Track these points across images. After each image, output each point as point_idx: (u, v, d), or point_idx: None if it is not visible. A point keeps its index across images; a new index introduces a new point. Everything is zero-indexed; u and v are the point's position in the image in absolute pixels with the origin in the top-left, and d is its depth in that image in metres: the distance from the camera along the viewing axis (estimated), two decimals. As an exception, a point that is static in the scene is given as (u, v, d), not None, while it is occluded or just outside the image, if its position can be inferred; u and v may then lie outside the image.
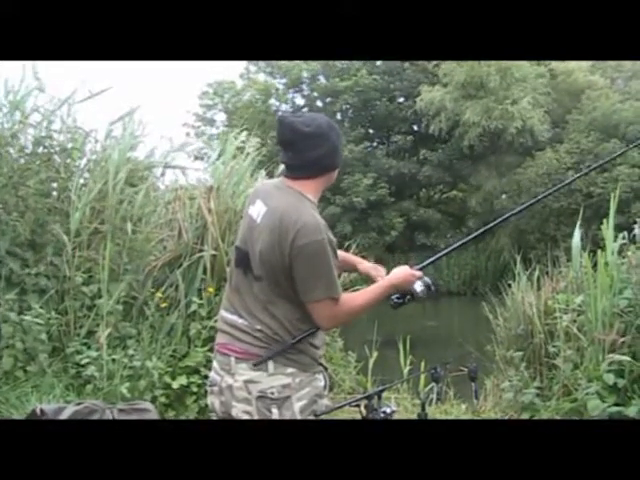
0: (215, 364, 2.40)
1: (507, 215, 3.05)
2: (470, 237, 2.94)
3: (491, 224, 2.96)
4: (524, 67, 22.90)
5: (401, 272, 2.47)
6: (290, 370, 2.26)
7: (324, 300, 2.24)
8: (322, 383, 2.36)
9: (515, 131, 22.33)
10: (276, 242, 2.22)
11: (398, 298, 2.50)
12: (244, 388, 2.25)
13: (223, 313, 2.42)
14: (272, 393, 2.23)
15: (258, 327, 2.27)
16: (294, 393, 2.25)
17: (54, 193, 5.63)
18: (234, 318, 2.34)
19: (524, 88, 22.79)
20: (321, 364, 2.39)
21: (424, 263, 2.60)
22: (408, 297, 2.49)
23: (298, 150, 2.30)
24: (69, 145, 5.82)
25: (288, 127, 2.28)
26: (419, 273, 2.49)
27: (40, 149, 5.67)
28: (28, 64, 5.73)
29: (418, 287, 2.47)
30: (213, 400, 2.38)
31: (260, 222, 2.29)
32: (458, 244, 2.87)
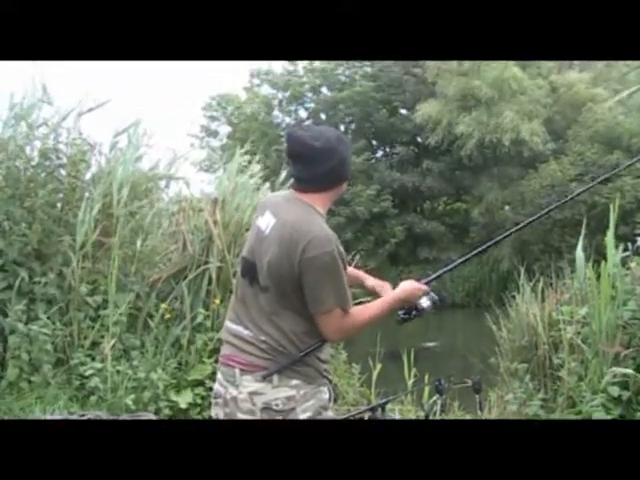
0: (219, 376, 2.39)
1: (514, 229, 3.06)
2: (475, 252, 2.93)
3: (499, 237, 2.97)
4: (521, 79, 23.04)
5: (408, 286, 2.48)
6: (295, 382, 2.26)
7: (334, 311, 2.24)
8: (327, 395, 2.35)
9: (508, 143, 22.46)
10: (285, 254, 2.22)
11: (404, 314, 2.50)
12: (248, 400, 2.25)
13: (228, 324, 2.42)
14: (277, 405, 2.23)
15: (263, 338, 2.27)
16: (298, 405, 2.25)
17: (59, 204, 5.66)
18: (239, 329, 2.34)
19: (519, 101, 22.90)
20: (326, 377, 2.38)
21: (430, 277, 2.59)
22: (414, 312, 2.49)
23: (307, 164, 2.31)
24: (75, 157, 5.86)
25: (297, 141, 2.29)
26: (425, 287, 2.50)
27: (46, 162, 5.72)
28: (35, 77, 5.79)
29: (424, 303, 2.48)
30: (217, 412, 2.38)
31: (269, 234, 2.29)
32: (463, 259, 2.85)
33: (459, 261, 2.80)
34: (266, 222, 2.33)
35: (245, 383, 2.27)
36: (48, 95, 5.86)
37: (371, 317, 2.38)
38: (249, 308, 2.33)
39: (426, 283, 2.53)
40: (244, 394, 2.26)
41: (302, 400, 2.26)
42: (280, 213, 2.31)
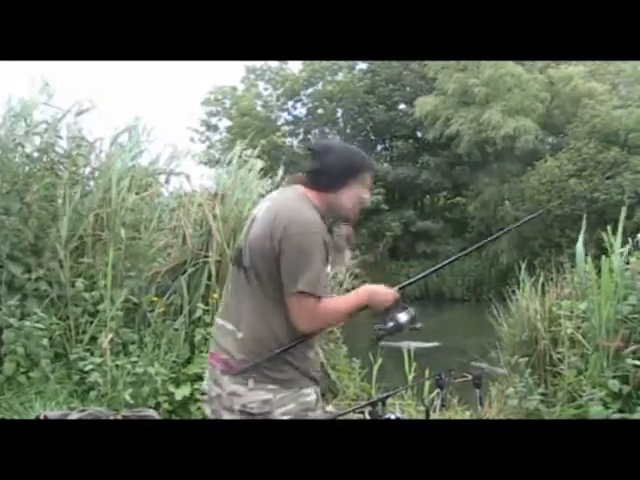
0: (207, 373, 2.41)
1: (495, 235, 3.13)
2: (449, 261, 2.97)
3: (473, 247, 3.07)
4: (519, 75, 23.06)
5: (379, 285, 2.45)
6: (271, 386, 2.22)
7: (305, 295, 2.19)
8: (311, 398, 2.29)
9: (500, 140, 22.53)
10: (268, 231, 2.23)
11: (383, 327, 2.44)
12: (228, 400, 2.25)
13: (217, 319, 2.43)
14: (252, 408, 2.20)
15: (240, 335, 2.25)
16: (275, 409, 2.21)
17: (59, 200, 5.65)
18: (223, 323, 2.35)
19: (515, 97, 22.94)
20: (313, 378, 2.32)
21: (403, 284, 2.56)
22: (391, 324, 2.42)
23: (307, 162, 2.43)
24: (74, 152, 5.86)
25: (308, 146, 2.39)
26: (394, 292, 2.43)
27: (44, 157, 5.71)
28: (37, 75, 5.79)
29: (403, 317, 2.43)
30: (206, 408, 2.41)
31: (259, 216, 2.34)
32: (437, 268, 2.89)
33: (433, 269, 2.83)
34: (260, 207, 2.40)
35: (224, 383, 2.26)
36: (50, 90, 5.84)
37: (344, 309, 2.33)
38: (235, 298, 2.33)
39: (399, 289, 2.47)
40: (225, 394, 2.26)
41: (279, 404, 2.21)
42: (274, 198, 2.40)
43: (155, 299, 5.36)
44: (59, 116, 5.91)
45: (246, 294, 2.29)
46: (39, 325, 4.78)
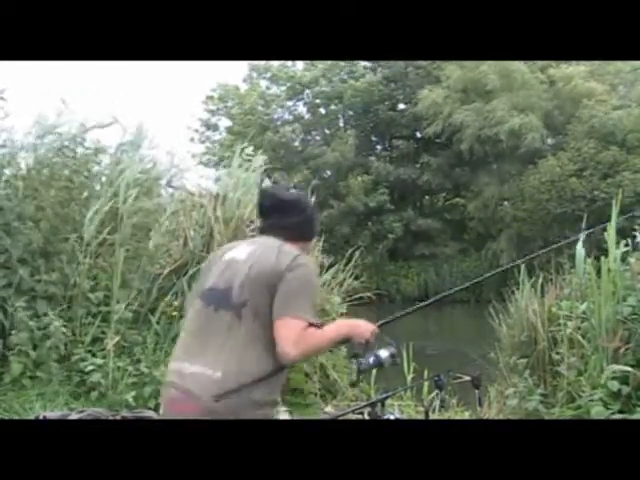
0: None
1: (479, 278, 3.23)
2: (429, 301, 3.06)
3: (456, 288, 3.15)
4: (524, 73, 23.03)
5: (359, 320, 2.49)
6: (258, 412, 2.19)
7: (297, 320, 2.19)
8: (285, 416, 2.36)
9: (505, 137, 22.47)
10: (274, 261, 2.25)
11: (364, 361, 2.46)
12: None
13: (176, 363, 2.34)
14: None
15: (218, 375, 2.17)
16: None
17: (69, 203, 5.68)
18: (189, 366, 2.25)
19: (519, 94, 22.92)
20: (278, 401, 2.36)
21: (384, 320, 2.61)
22: (372, 359, 2.44)
23: (278, 215, 2.43)
24: (83, 157, 5.91)
25: (270, 195, 2.46)
26: (373, 326, 2.44)
27: (55, 159, 5.75)
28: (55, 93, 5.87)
29: (384, 353, 2.46)
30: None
31: (247, 257, 2.31)
32: (421, 305, 2.98)
33: (417, 307, 2.91)
34: (240, 251, 2.36)
35: None
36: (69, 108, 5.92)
37: (325, 338, 2.31)
38: (207, 338, 2.26)
39: (379, 326, 2.50)
40: None
41: None
42: (258, 242, 2.41)
43: (175, 303, 5.36)
44: (80, 132, 5.98)
45: (228, 333, 2.22)
46: (56, 324, 4.79)
